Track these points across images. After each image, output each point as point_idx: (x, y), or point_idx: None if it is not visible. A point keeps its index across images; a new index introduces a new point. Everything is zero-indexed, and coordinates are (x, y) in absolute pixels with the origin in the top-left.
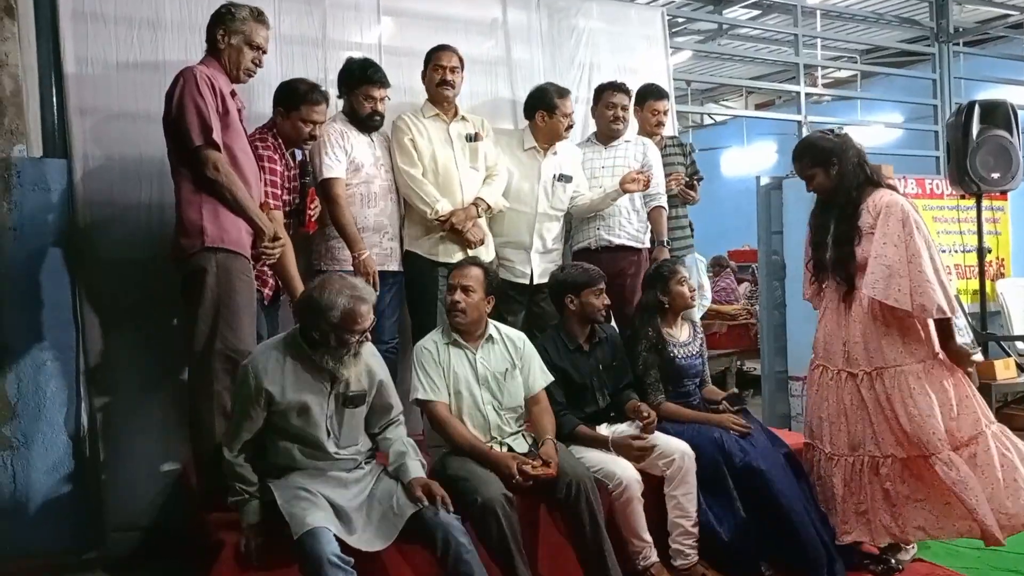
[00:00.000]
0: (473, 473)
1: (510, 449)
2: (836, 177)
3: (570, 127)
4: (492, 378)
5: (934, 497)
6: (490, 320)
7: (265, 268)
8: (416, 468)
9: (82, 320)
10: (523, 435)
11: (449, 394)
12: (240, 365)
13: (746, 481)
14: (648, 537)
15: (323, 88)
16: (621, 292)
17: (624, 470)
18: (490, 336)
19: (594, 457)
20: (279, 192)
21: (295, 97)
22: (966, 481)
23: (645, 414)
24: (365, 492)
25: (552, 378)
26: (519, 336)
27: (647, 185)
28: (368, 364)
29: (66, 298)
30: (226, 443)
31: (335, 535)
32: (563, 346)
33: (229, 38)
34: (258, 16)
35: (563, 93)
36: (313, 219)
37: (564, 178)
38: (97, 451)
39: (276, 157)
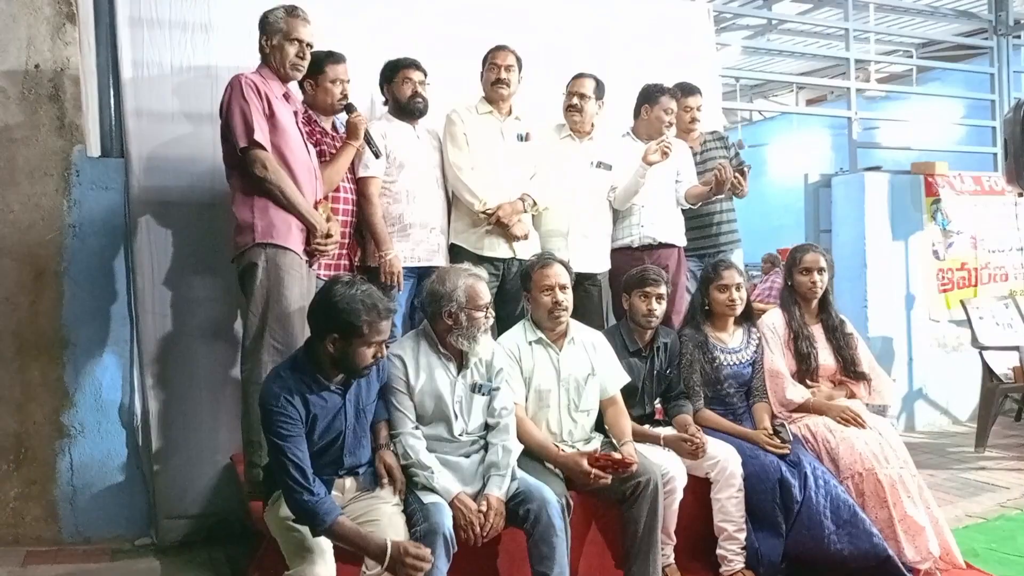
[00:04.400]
0: (524, 481)
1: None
2: None
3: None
4: (573, 381)
5: None
6: (570, 319)
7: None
8: (495, 486)
9: (137, 314)
10: (597, 439)
11: (527, 394)
12: (385, 357)
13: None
14: (673, 537)
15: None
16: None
17: (673, 463)
18: (572, 338)
19: (644, 450)
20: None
21: (316, 63)
22: None
23: (691, 439)
24: (479, 475)
25: (628, 378)
26: (599, 337)
27: (666, 154)
28: (494, 353)
29: (122, 292)
30: (400, 427)
31: None
32: (622, 347)
33: (271, 40)
34: (292, 11)
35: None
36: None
37: (603, 165)
38: (150, 440)
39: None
